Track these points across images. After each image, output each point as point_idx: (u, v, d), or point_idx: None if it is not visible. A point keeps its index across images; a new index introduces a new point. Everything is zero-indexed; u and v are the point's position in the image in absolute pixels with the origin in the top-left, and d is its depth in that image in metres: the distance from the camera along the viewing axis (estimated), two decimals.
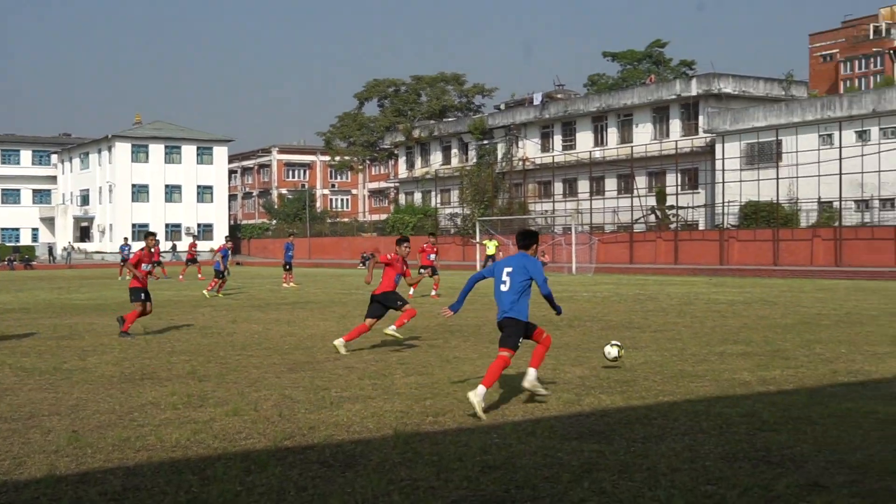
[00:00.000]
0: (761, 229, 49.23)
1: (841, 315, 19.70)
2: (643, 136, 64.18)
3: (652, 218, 58.58)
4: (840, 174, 45.92)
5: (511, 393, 10.09)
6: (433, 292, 27.93)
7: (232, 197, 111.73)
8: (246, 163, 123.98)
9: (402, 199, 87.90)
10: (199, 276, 40.72)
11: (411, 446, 7.58)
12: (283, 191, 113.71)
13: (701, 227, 57.30)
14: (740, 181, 52.98)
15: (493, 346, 14.40)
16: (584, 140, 68.73)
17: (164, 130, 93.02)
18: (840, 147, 46.67)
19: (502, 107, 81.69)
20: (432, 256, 28.18)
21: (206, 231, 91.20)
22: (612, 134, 66.82)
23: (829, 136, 50.17)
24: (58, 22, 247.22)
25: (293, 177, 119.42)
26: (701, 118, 60.18)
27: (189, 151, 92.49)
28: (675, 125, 62.52)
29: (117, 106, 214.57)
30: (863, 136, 49.26)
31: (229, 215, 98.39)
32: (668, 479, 6.53)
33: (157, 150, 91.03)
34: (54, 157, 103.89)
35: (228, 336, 16.55)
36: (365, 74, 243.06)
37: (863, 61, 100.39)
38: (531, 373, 9.60)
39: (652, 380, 10.92)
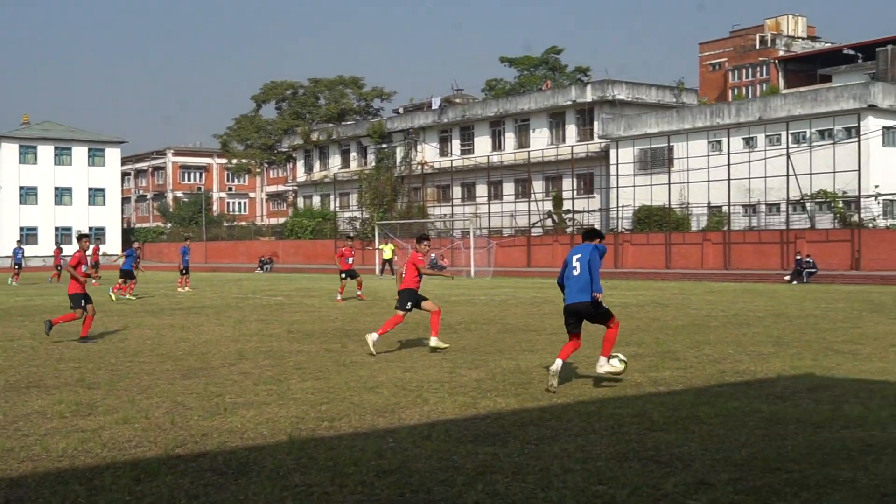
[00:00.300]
0: (654, 233, 50.34)
1: (729, 317, 20.28)
2: (540, 141, 65.00)
3: (549, 222, 59.37)
4: (729, 180, 47.26)
5: (407, 397, 10.11)
6: (358, 291, 28.31)
7: (125, 200, 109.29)
8: (140, 165, 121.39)
9: (300, 202, 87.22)
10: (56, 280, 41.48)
11: (306, 452, 7.53)
12: (179, 194, 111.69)
13: None
14: (634, 186, 54.10)
15: (389, 349, 14.43)
16: (482, 144, 69.28)
17: (54, 131, 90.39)
18: (728, 153, 48.04)
19: (401, 111, 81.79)
20: (350, 260, 28.55)
21: (98, 234, 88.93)
22: (510, 139, 67.49)
23: (718, 142, 51.60)
24: None
25: (189, 179, 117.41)
26: (596, 124, 61.25)
27: (80, 153, 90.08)
28: (571, 131, 63.50)
29: (3, 105, 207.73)
30: (750, 142, 50.82)
31: (122, 218, 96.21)
32: (560, 479, 6.63)
33: (46, 152, 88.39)
34: None
35: (120, 342, 16.18)
36: (262, 76, 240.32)
37: (750, 70, 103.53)
38: (603, 360, 10.68)
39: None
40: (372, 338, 13.93)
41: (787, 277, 37.96)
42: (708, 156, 50.88)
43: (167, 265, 70.79)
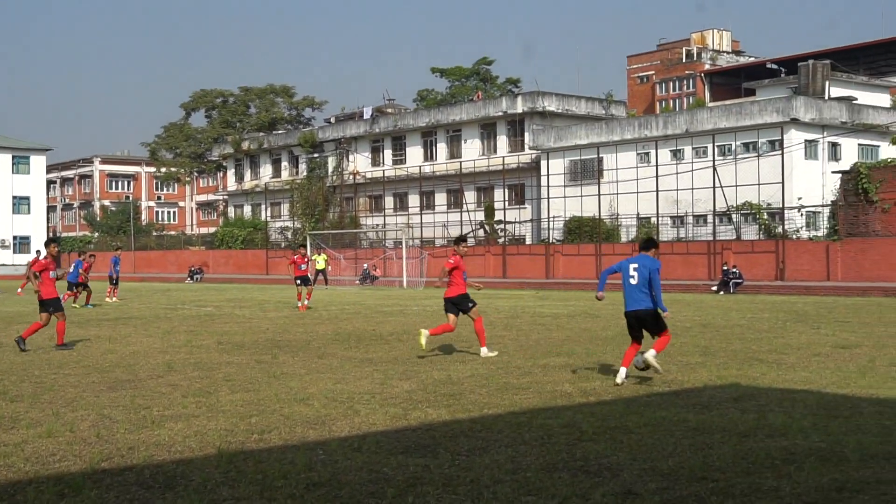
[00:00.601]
0: (585, 244, 50.84)
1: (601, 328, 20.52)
2: (471, 151, 65.28)
3: (481, 232, 59.61)
4: (657, 191, 47.95)
5: (338, 408, 10.06)
6: (305, 302, 28.33)
7: (51, 208, 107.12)
8: (66, 173, 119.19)
9: (231, 212, 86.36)
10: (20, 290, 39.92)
11: (235, 465, 7.45)
12: (107, 202, 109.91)
13: (528, 241, 58.68)
14: (564, 197, 54.59)
15: (321, 361, 14.36)
16: (414, 155, 69.36)
17: None
18: (657, 165, 48.75)
19: (332, 120, 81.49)
20: (303, 266, 28.94)
21: (22, 243, 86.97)
22: (442, 149, 67.68)
23: (647, 154, 52.34)
24: None
25: (117, 188, 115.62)
26: (527, 135, 61.72)
27: (3, 160, 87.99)
28: (502, 141, 63.89)
29: None
30: (677, 154, 51.64)
31: (48, 227, 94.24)
32: (490, 491, 6.66)
33: None
34: None
35: (45, 353, 15.83)
36: (191, 84, 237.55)
37: (676, 83, 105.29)
38: (651, 353, 11.60)
39: (478, 393, 11.10)
40: (484, 353, 14.60)
41: (714, 288, 38.60)
42: (636, 167, 51.57)
43: (95, 275, 69.39)
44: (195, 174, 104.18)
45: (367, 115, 74.09)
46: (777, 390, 11.13)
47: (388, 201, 69.56)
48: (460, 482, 6.88)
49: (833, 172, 44.71)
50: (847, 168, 42.46)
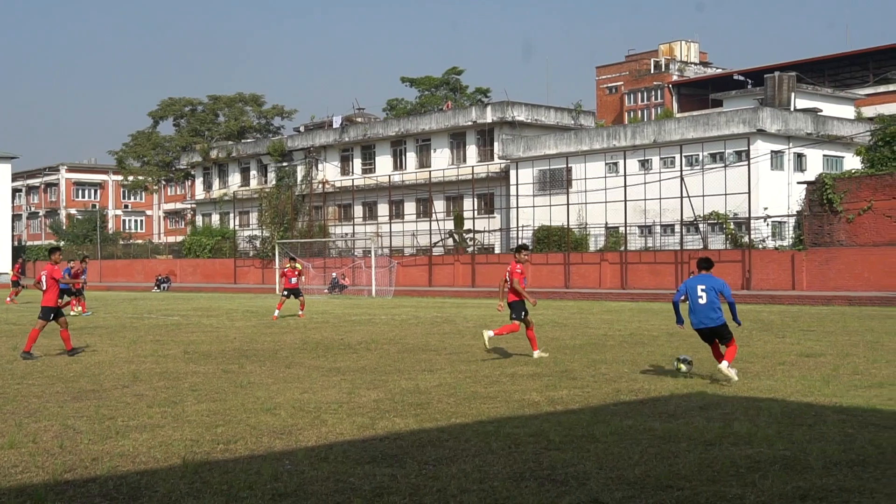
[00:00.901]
0: (553, 253, 50.97)
1: (625, 336, 20.66)
2: (441, 160, 65.35)
3: (450, 241, 59.62)
4: (625, 201, 48.17)
5: (305, 418, 10.02)
6: (299, 312, 28.85)
7: (16, 217, 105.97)
8: (32, 181, 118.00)
9: (199, 220, 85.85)
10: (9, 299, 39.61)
11: (200, 475, 7.40)
12: (73, 211, 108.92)
13: (497, 250, 58.75)
14: (533, 206, 54.72)
15: (288, 370, 14.30)
16: (384, 164, 69.32)
17: None
18: (625, 175, 48.99)
19: (302, 129, 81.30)
20: (294, 280, 29.15)
21: None
22: (411, 158, 67.70)
23: (615, 164, 52.61)
24: None
25: (83, 196, 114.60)
26: (496, 145, 61.86)
27: None
28: (472, 151, 64.00)
29: None
30: (645, 164, 51.95)
31: (13, 236, 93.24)
32: (457, 500, 6.66)
33: None
34: None
35: (8, 364, 15.66)
36: (160, 93, 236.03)
37: (645, 94, 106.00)
38: (724, 364, 12.47)
39: (445, 402, 11.10)
40: (488, 334, 15.37)
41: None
42: (605, 177, 51.81)
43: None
44: (163, 183, 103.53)
45: (336, 124, 73.95)
46: (742, 399, 11.21)
47: (358, 210, 69.45)
48: (427, 492, 6.88)
49: (798, 183, 45.12)
50: (812, 179, 42.86)
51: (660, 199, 48.20)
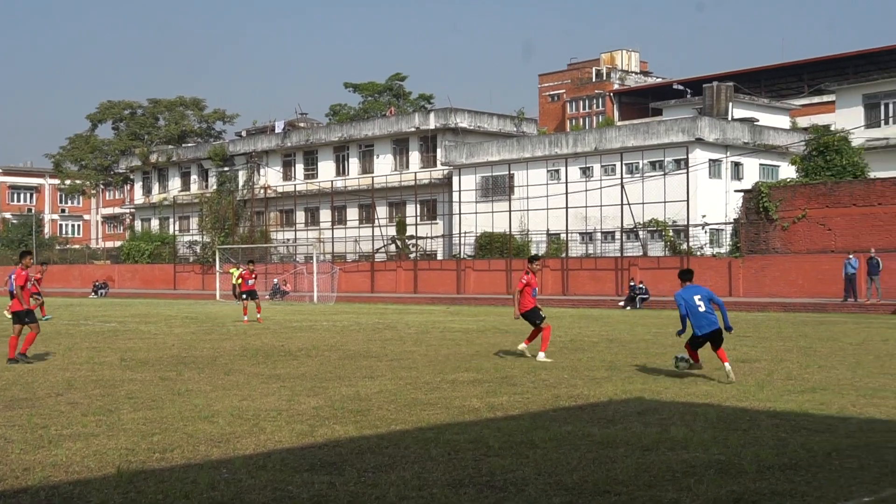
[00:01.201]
0: (495, 259, 51.18)
1: (566, 342, 20.80)
2: (384, 166, 65.28)
3: (392, 248, 59.58)
4: (566, 208, 48.56)
5: (243, 426, 9.93)
6: (257, 315, 29.22)
7: None
8: None
9: (138, 225, 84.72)
10: None
11: (135, 485, 7.30)
12: (8, 215, 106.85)
13: (439, 256, 58.81)
14: (476, 213, 54.88)
15: (227, 377, 14.17)
16: (326, 169, 69.08)
17: None
18: (566, 182, 49.37)
19: (244, 134, 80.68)
20: (251, 282, 29.60)
21: None
22: (354, 164, 67.55)
23: (557, 171, 52.98)
24: None
25: (19, 200, 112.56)
26: (439, 151, 61.97)
27: None
28: (415, 157, 64.05)
29: None
30: (586, 172, 52.40)
31: None
32: None
33: None
34: None
35: None
36: (98, 95, 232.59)
37: (586, 102, 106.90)
38: (728, 366, 13.53)
39: (386, 409, 11.08)
40: (541, 357, 16.22)
41: (622, 303, 39.25)
42: (547, 184, 52.15)
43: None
44: (101, 187, 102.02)
45: (278, 129, 73.53)
46: (679, 404, 11.35)
47: (300, 216, 69.09)
48: (366, 499, 6.86)
49: (736, 191, 45.89)
50: (749, 187, 43.62)
51: (601, 206, 48.64)
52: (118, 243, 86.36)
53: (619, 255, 46.67)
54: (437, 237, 59.75)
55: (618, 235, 48.00)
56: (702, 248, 45.13)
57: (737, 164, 51.64)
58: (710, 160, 49.77)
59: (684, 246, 45.29)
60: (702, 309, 13.72)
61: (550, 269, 48.08)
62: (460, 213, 55.61)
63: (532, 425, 9.82)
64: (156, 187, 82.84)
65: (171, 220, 75.39)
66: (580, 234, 51.27)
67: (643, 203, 46.70)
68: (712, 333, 13.74)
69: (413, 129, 63.47)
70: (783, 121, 62.51)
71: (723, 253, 44.05)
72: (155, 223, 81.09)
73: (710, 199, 48.86)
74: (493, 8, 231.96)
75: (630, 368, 15.22)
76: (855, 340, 20.65)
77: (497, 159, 56.45)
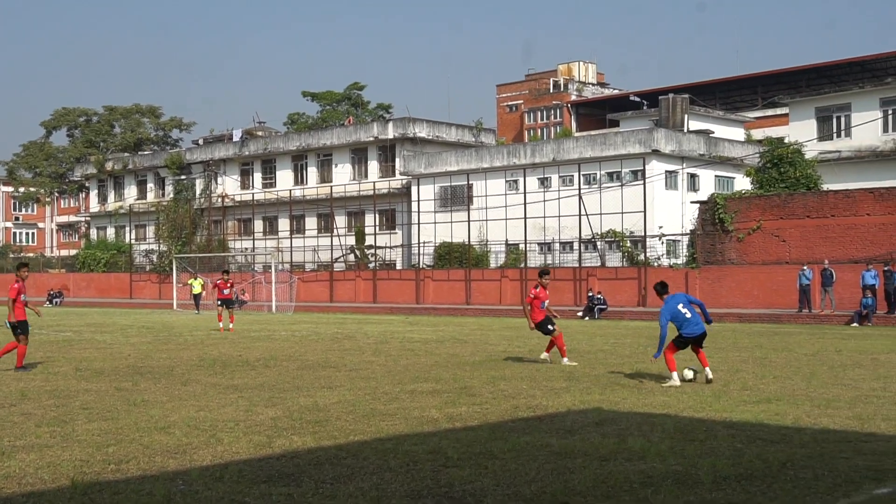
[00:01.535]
0: (454, 269, 51.22)
1: (524, 352, 20.86)
2: (342, 176, 65.15)
3: (351, 257, 59.41)
4: (525, 218, 48.73)
5: (200, 437, 9.84)
6: (230, 325, 29.70)
7: None
8: None
9: (93, 234, 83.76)
10: None
11: (89, 497, 7.21)
12: None
13: (398, 266, 58.75)
14: (435, 223, 54.92)
15: (184, 388, 14.05)
16: (285, 178, 68.80)
17: None
18: (525, 192, 49.56)
19: (201, 142, 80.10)
20: (226, 291, 30.47)
21: None
22: (312, 173, 67.33)
23: (515, 181, 53.16)
24: None
25: None
26: (398, 161, 61.96)
27: None
28: (374, 167, 63.99)
29: None
30: (545, 182, 52.65)
31: None
32: None
33: None
34: None
35: None
36: (53, 102, 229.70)
37: (544, 113, 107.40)
38: (707, 370, 14.56)
39: (344, 419, 11.04)
40: (565, 362, 17.33)
41: (580, 314, 39.43)
42: (505, 194, 52.32)
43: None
44: (56, 195, 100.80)
45: (236, 138, 73.11)
46: (637, 414, 11.42)
47: (258, 225, 68.69)
48: None
49: (692, 202, 46.29)
50: (705, 198, 44.04)
51: (559, 216, 48.86)
52: (73, 252, 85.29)
53: (577, 265, 46.90)
54: (396, 247, 59.70)
55: (576, 246, 48.25)
56: (659, 258, 45.47)
57: (693, 176, 52.15)
58: (666, 171, 50.22)
59: (641, 257, 45.62)
60: (688, 316, 14.58)
61: (509, 280, 48.22)
62: (419, 223, 55.63)
63: (491, 436, 9.84)
64: (112, 195, 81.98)
65: (128, 229, 74.65)
66: (538, 244, 51.45)
67: (601, 214, 46.98)
68: (698, 336, 14.60)
69: (371, 139, 63.42)
70: (738, 133, 63.25)
71: (679, 264, 44.41)
72: (111, 232, 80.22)
73: (666, 210, 49.28)
74: (453, 19, 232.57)
75: (588, 379, 15.29)
76: (809, 351, 20.92)
77: (455, 169, 56.55)
